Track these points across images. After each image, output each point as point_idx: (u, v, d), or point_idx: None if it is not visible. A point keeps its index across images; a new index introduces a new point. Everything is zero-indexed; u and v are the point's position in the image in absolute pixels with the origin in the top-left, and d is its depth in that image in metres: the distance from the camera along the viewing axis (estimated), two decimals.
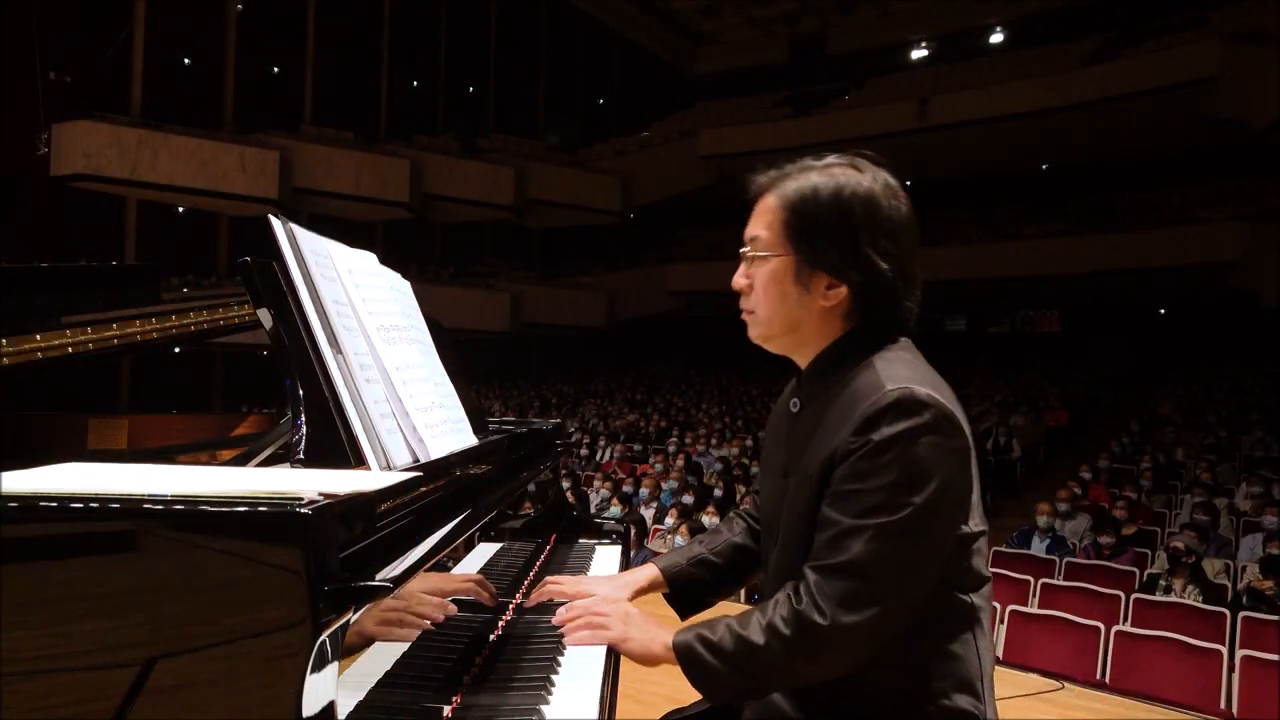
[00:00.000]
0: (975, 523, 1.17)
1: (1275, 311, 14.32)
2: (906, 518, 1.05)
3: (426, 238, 21.69)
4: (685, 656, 1.17)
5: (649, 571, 1.48)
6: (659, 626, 1.26)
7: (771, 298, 1.21)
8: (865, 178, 1.19)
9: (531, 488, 1.94)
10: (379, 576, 0.84)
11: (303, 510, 0.73)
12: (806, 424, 1.23)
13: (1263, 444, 10.43)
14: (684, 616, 1.49)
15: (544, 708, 1.10)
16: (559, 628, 1.42)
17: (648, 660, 1.23)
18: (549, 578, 1.51)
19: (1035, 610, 4.90)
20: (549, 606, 1.57)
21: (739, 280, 1.25)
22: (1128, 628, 4.51)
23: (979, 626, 1.18)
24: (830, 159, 1.23)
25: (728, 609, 1.53)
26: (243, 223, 17.79)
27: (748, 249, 1.24)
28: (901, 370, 1.13)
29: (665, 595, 1.51)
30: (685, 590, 1.49)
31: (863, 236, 1.15)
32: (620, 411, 16.50)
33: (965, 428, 1.13)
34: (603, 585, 1.46)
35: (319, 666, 0.73)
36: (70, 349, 1.41)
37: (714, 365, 21.41)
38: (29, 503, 0.74)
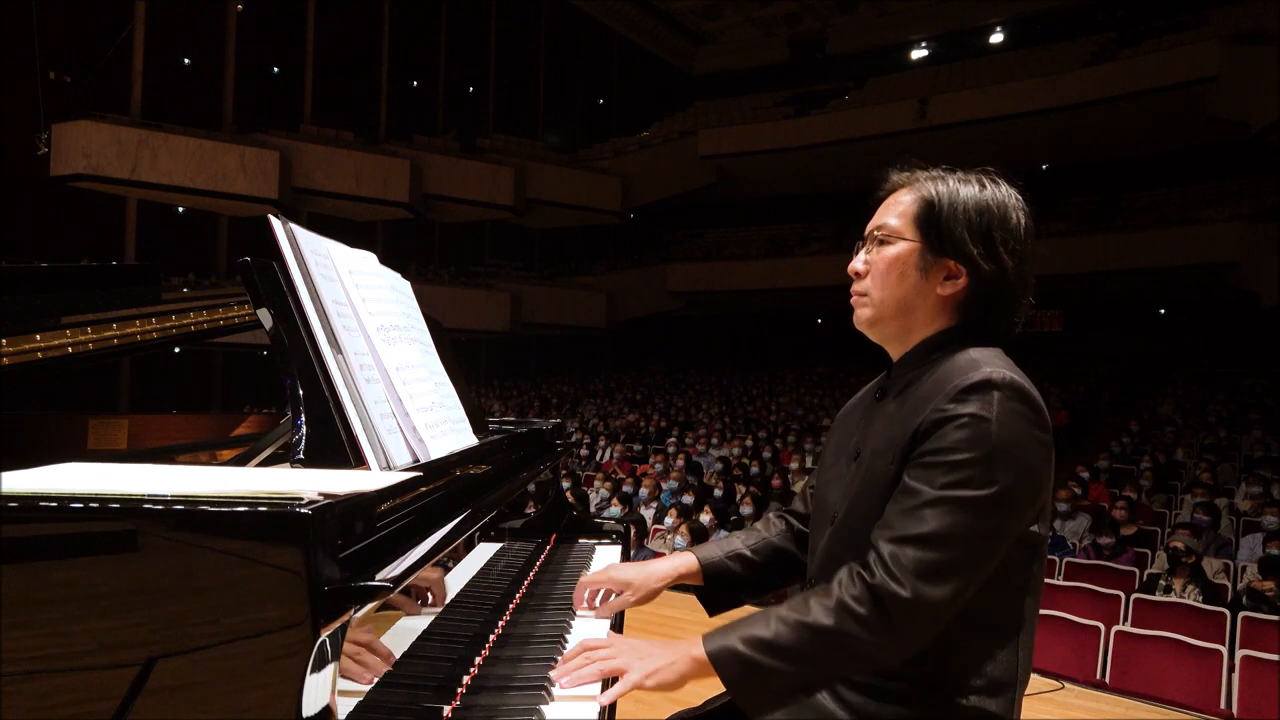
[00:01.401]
0: (1043, 529, 1.16)
1: (1275, 311, 14.32)
2: (989, 496, 1.05)
3: (426, 238, 21.69)
4: (732, 665, 1.09)
5: (686, 559, 1.44)
6: (672, 645, 1.17)
7: (891, 279, 1.22)
8: (1000, 189, 1.22)
9: (531, 488, 1.94)
10: (379, 576, 0.83)
11: (303, 510, 0.73)
12: (890, 409, 1.22)
13: (1263, 444, 10.43)
14: (712, 614, 1.45)
15: (544, 708, 1.10)
16: (559, 627, 1.42)
17: (679, 684, 1.14)
18: (582, 578, 1.48)
19: (1039, 611, 4.89)
20: (548, 606, 1.57)
21: (856, 264, 1.27)
22: (1128, 628, 4.50)
23: (1024, 633, 1.17)
24: (961, 173, 1.25)
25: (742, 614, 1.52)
26: (243, 223, 17.80)
27: (872, 235, 1.26)
28: (999, 362, 1.14)
29: (696, 590, 1.47)
30: (719, 584, 1.45)
31: (996, 232, 1.18)
32: (620, 411, 16.50)
33: (1049, 425, 1.14)
34: (632, 571, 1.43)
35: (319, 666, 0.73)
36: (70, 349, 1.41)
37: (714, 365, 21.42)
38: (29, 503, 0.74)
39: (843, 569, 1.11)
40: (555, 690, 1.16)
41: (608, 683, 1.18)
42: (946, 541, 1.04)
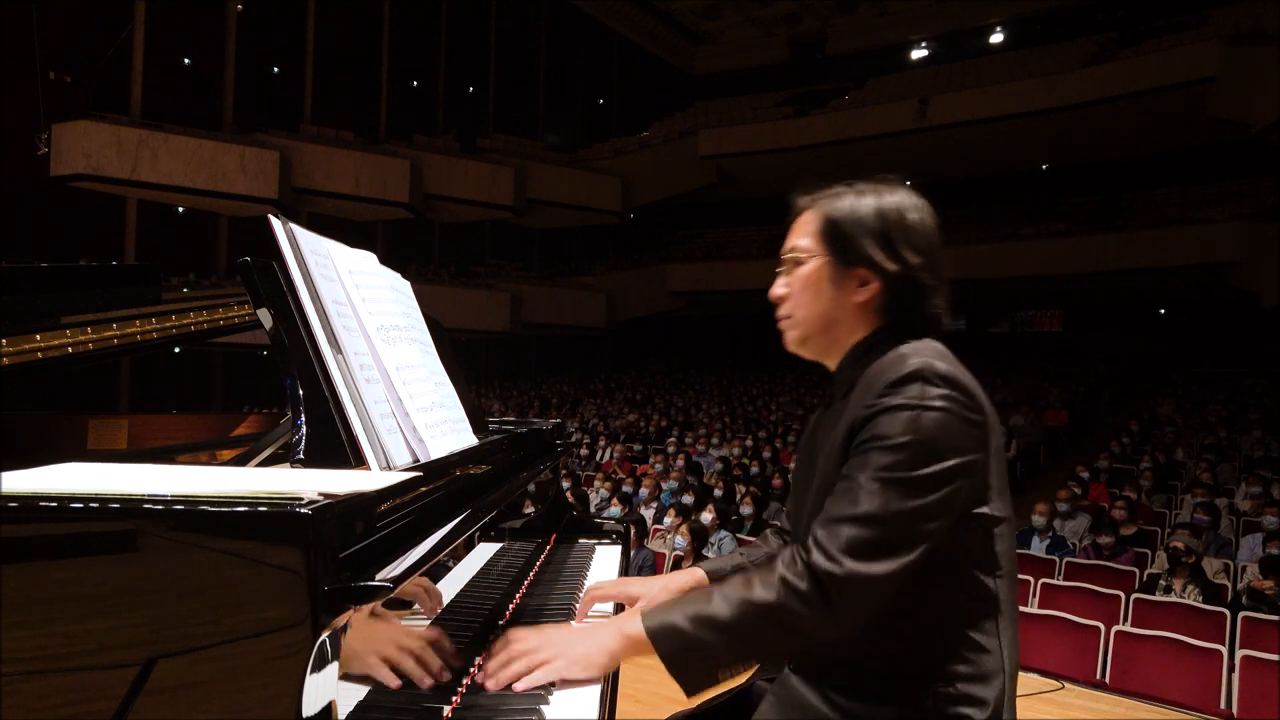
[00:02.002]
0: (997, 507, 1.19)
1: (1275, 311, 14.33)
2: (920, 476, 1.09)
3: (426, 238, 21.70)
4: (671, 639, 1.10)
5: (694, 574, 1.47)
6: (598, 627, 1.18)
7: (808, 297, 1.28)
8: (897, 192, 1.28)
9: (531, 488, 1.94)
10: (379, 576, 0.83)
11: (303, 510, 0.73)
12: (833, 413, 1.27)
13: (1263, 444, 10.43)
14: None
15: (544, 708, 1.10)
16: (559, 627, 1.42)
17: (609, 666, 1.14)
18: (594, 584, 1.49)
19: (1035, 610, 4.90)
20: (549, 606, 1.57)
21: (778, 289, 1.32)
22: (1128, 628, 4.51)
23: (1001, 617, 1.18)
24: (861, 183, 1.30)
25: None
26: (243, 223, 17.80)
27: (786, 258, 1.32)
28: (927, 352, 1.18)
29: None
30: None
31: (895, 235, 1.24)
32: (620, 411, 16.50)
33: (989, 411, 1.18)
34: (643, 584, 1.44)
35: (319, 666, 0.73)
36: (70, 349, 1.41)
37: (714, 365, 21.43)
38: (29, 503, 0.74)
39: (785, 549, 1.15)
40: (552, 695, 1.16)
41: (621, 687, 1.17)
42: (877, 519, 1.08)
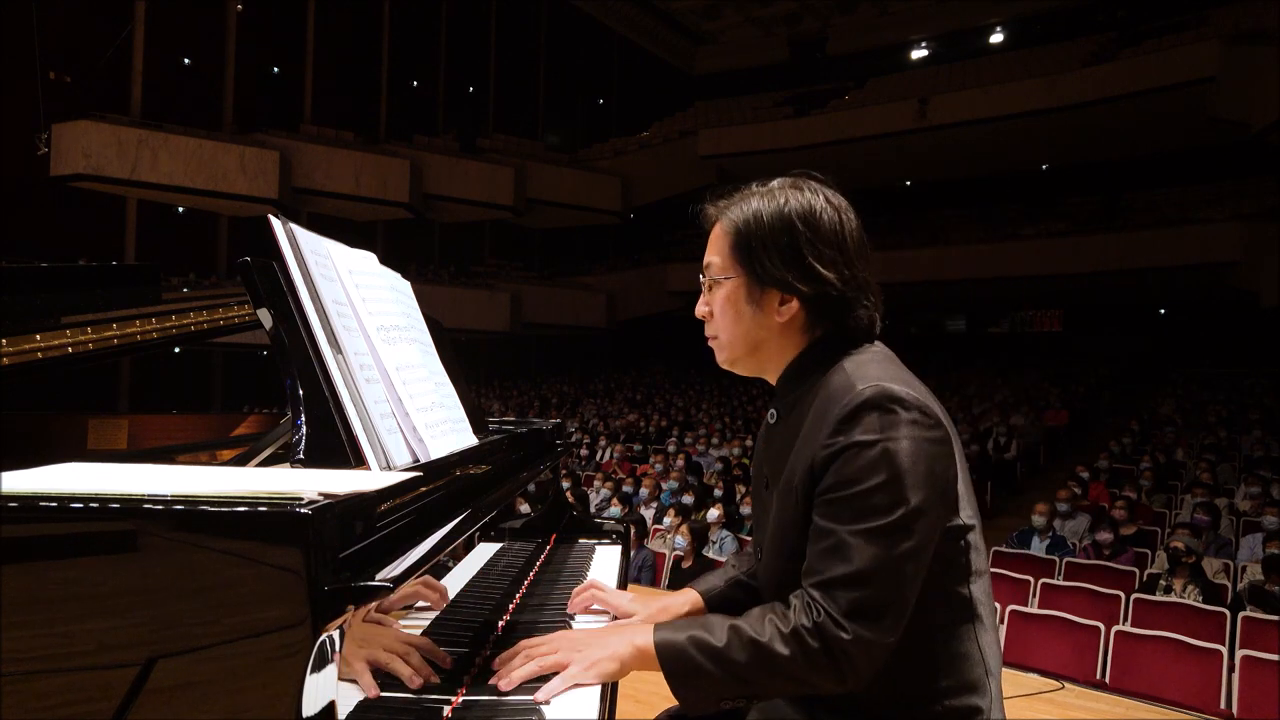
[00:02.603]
0: (966, 515, 1.17)
1: (1275, 311, 14.33)
2: (901, 517, 1.05)
3: (426, 238, 21.70)
4: (675, 661, 1.10)
5: (689, 596, 1.46)
6: (611, 633, 1.18)
7: (729, 320, 1.25)
8: (805, 195, 1.21)
9: (531, 488, 1.94)
10: (379, 576, 0.83)
11: (303, 510, 0.73)
12: (783, 434, 1.23)
13: (1263, 444, 10.43)
14: None
15: (544, 708, 1.10)
16: (559, 627, 1.42)
17: (620, 673, 1.14)
18: (593, 580, 1.48)
19: (1035, 610, 4.90)
20: (548, 606, 1.57)
21: (700, 309, 1.30)
22: (1128, 628, 4.50)
23: (980, 623, 1.17)
24: (774, 182, 1.25)
25: None
26: (243, 223, 17.81)
27: (703, 278, 1.28)
28: (873, 370, 1.14)
29: None
30: (719, 613, 1.48)
31: (805, 249, 1.18)
32: (620, 411, 16.51)
33: (944, 418, 1.14)
34: (643, 604, 1.42)
35: (319, 666, 0.73)
36: (70, 349, 1.41)
37: (714, 365, 21.32)
38: (29, 503, 0.74)
39: (796, 596, 1.11)
40: (544, 697, 1.16)
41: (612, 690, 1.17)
42: (871, 577, 1.05)
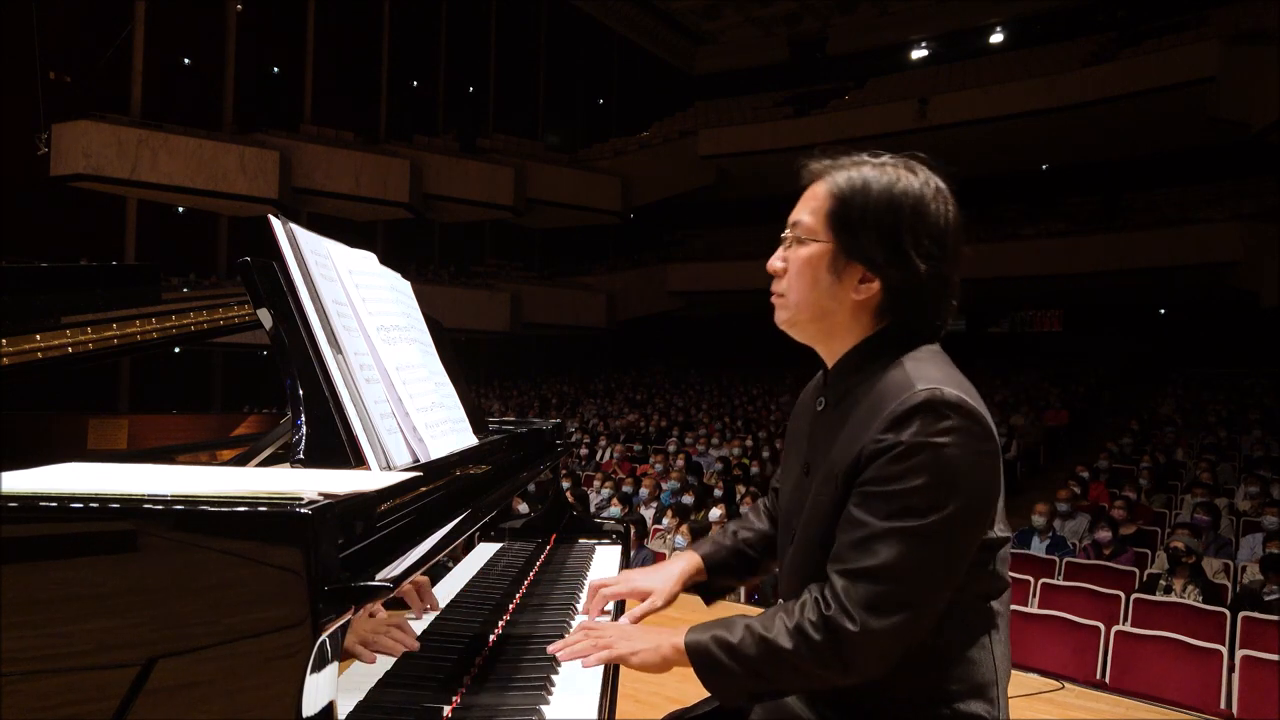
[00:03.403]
0: (1000, 529, 1.16)
1: (1275, 311, 14.33)
2: (937, 522, 1.03)
3: (426, 238, 21.69)
4: (700, 658, 1.15)
5: (693, 559, 1.49)
6: (658, 631, 1.23)
7: (804, 283, 1.20)
8: (918, 179, 1.18)
9: (531, 488, 1.94)
10: (379, 576, 0.84)
11: (303, 510, 0.73)
12: (831, 422, 1.21)
13: (1263, 444, 10.43)
14: (709, 602, 1.52)
15: (544, 708, 1.10)
16: (559, 627, 1.42)
17: (659, 668, 1.20)
18: (598, 579, 1.49)
19: (1035, 610, 4.90)
20: (548, 606, 1.57)
21: (774, 263, 1.24)
22: (1128, 628, 4.50)
23: (996, 632, 1.17)
24: (886, 157, 1.21)
25: (726, 609, 1.53)
26: (243, 223, 17.80)
27: (788, 233, 1.23)
28: (932, 371, 1.11)
29: (696, 585, 1.51)
30: (718, 578, 1.50)
31: (905, 235, 1.14)
32: (620, 411, 16.50)
33: (994, 432, 1.11)
34: (652, 579, 1.45)
35: (319, 666, 0.73)
36: (70, 349, 1.41)
37: (714, 365, 21.42)
38: (29, 503, 0.74)
39: (808, 590, 1.13)
40: (557, 681, 1.17)
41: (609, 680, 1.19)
42: (895, 575, 1.04)
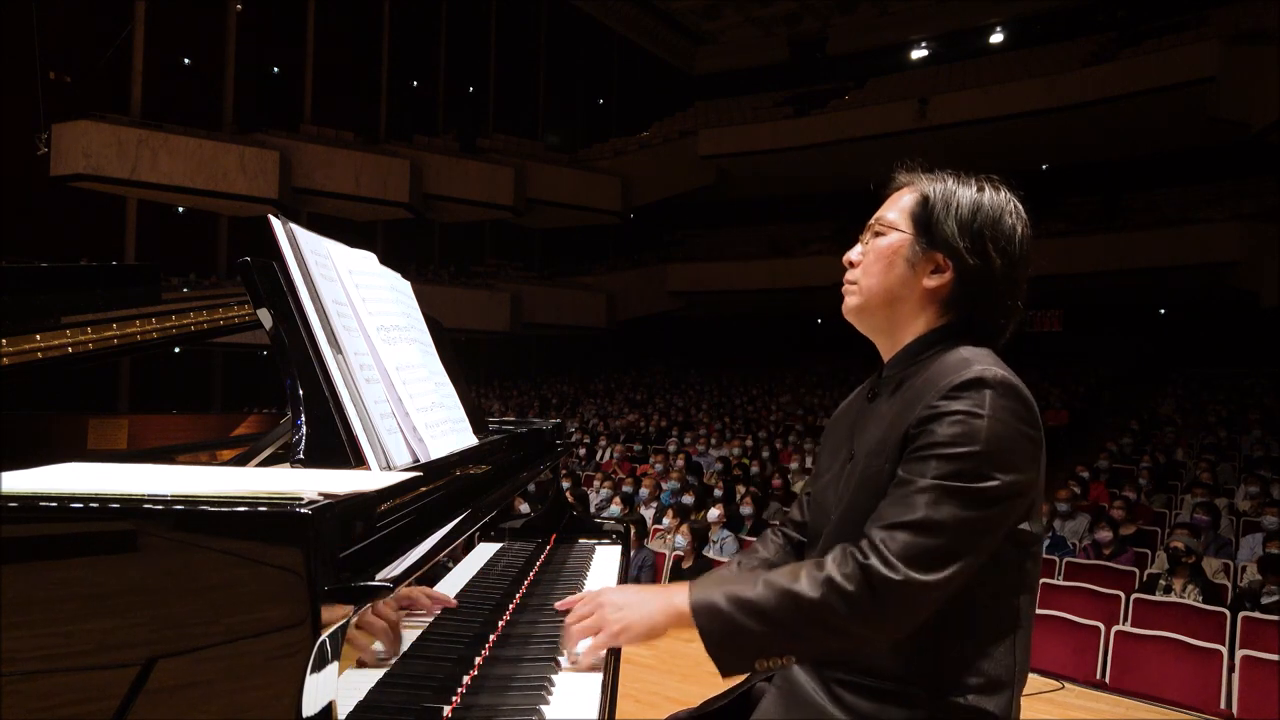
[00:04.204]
0: (1037, 527, 1.17)
1: (1275, 311, 14.33)
2: (980, 489, 1.06)
3: (426, 238, 21.69)
4: (709, 617, 1.10)
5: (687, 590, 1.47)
6: (652, 592, 1.21)
7: (880, 268, 1.25)
8: (1001, 195, 1.25)
9: (531, 488, 1.94)
10: (379, 577, 0.84)
11: (303, 510, 0.73)
12: (882, 410, 1.23)
13: (1263, 444, 10.43)
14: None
15: (544, 708, 1.10)
16: (559, 627, 1.42)
17: (653, 635, 1.17)
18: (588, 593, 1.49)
19: (1035, 610, 4.90)
20: (548, 606, 1.57)
21: (852, 254, 1.31)
22: (1128, 628, 4.51)
23: (1020, 633, 1.17)
24: (969, 176, 1.29)
25: None
26: (243, 223, 17.80)
27: (869, 226, 1.30)
28: (989, 360, 1.15)
29: None
30: None
31: (986, 230, 1.20)
32: (620, 411, 16.50)
33: (1040, 422, 1.15)
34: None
35: (319, 666, 0.73)
36: (70, 349, 1.41)
37: (714, 365, 21.43)
38: (29, 503, 0.74)
39: (836, 548, 1.12)
40: (557, 681, 1.17)
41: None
42: (937, 527, 1.05)
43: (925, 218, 1.23)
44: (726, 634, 1.10)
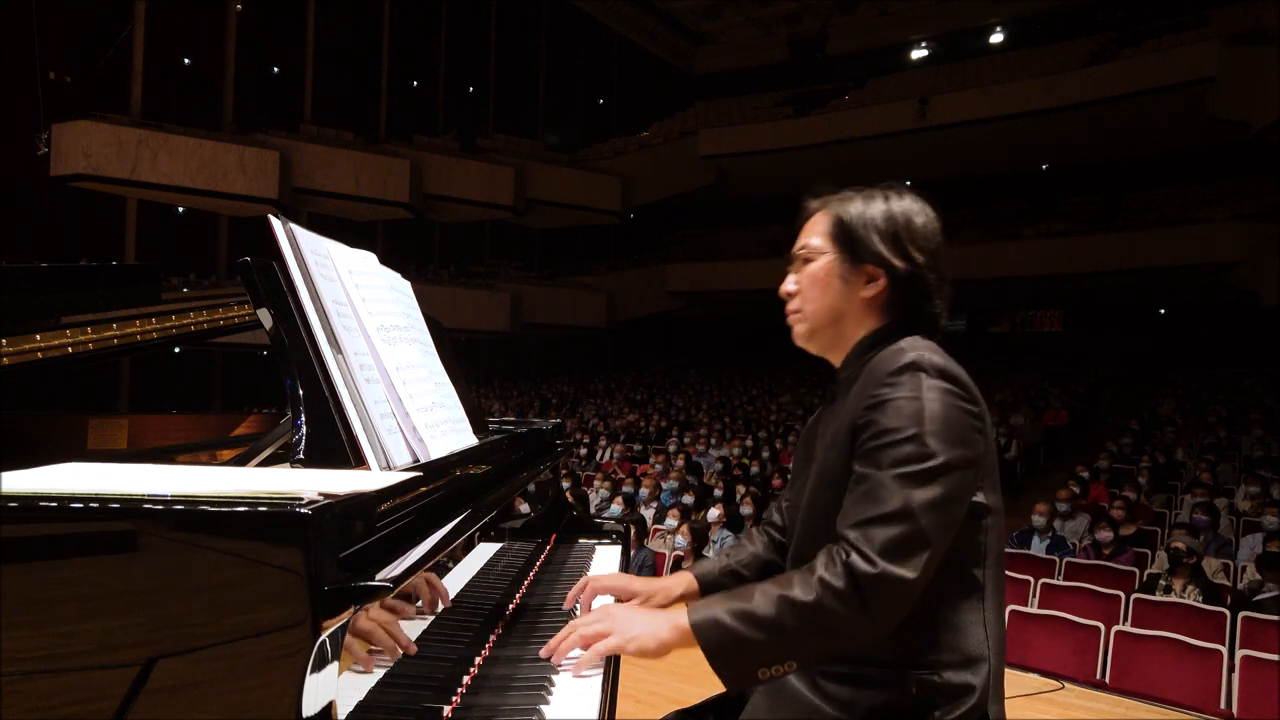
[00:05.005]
0: (991, 499, 1.23)
1: (1275, 311, 14.32)
2: (935, 467, 1.12)
3: (426, 238, 21.69)
4: (710, 631, 1.13)
5: (688, 580, 1.50)
6: (655, 614, 1.23)
7: (818, 291, 1.33)
8: (906, 199, 1.34)
9: (531, 488, 1.94)
10: (379, 576, 0.84)
11: (303, 510, 0.73)
12: (835, 410, 1.31)
13: (1263, 444, 10.42)
14: None
15: (544, 708, 1.10)
16: (560, 627, 1.42)
17: (657, 653, 1.18)
18: (593, 575, 1.50)
19: (1035, 610, 4.90)
20: (548, 606, 1.57)
21: (787, 286, 1.38)
22: (1128, 628, 4.50)
23: (986, 604, 1.21)
24: (872, 189, 1.37)
25: None
26: (243, 223, 17.80)
27: (796, 255, 1.38)
28: (923, 346, 1.23)
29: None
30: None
31: (902, 233, 1.29)
32: (620, 411, 16.50)
33: (979, 399, 1.22)
34: (645, 585, 1.47)
35: (319, 666, 0.73)
36: (70, 349, 1.41)
37: (714, 365, 21.43)
38: (29, 503, 0.74)
39: (822, 551, 1.15)
40: (557, 681, 1.17)
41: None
42: (905, 516, 1.10)
43: (846, 237, 1.31)
44: (728, 645, 1.12)
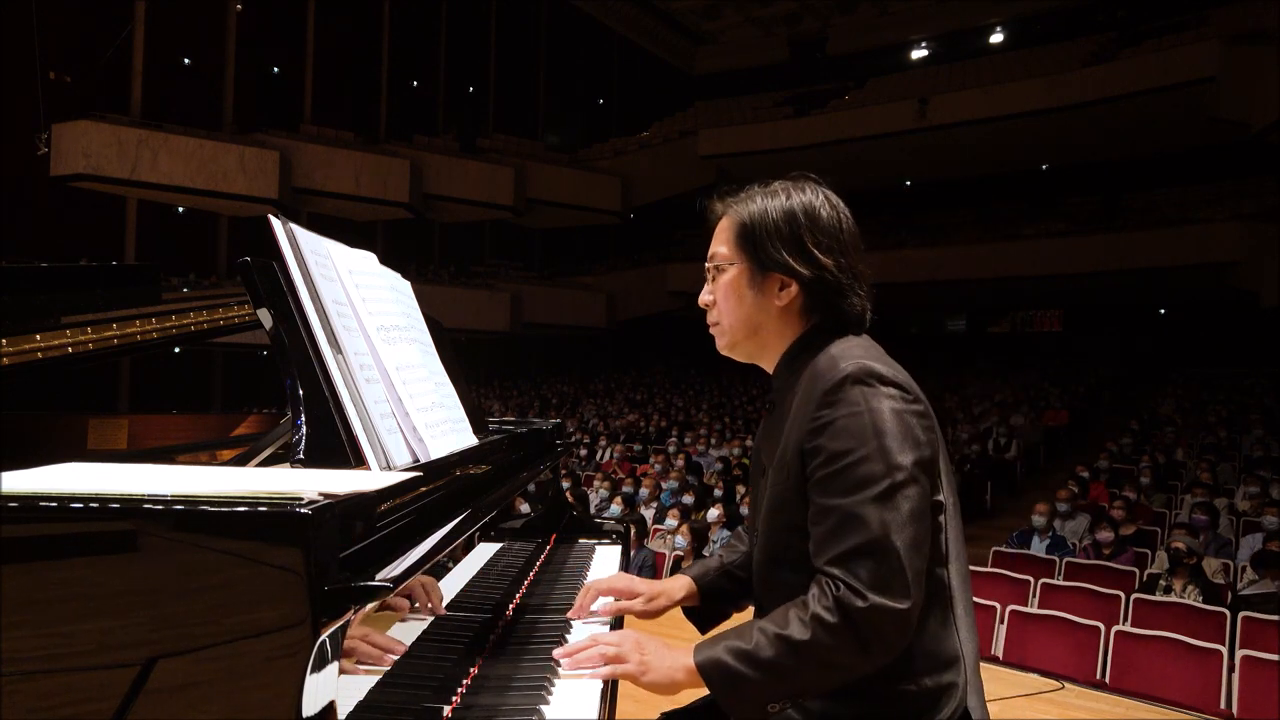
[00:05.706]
0: (944, 494, 1.20)
1: (1275, 311, 14.32)
2: (896, 482, 1.09)
3: (426, 238, 21.69)
4: (714, 672, 1.13)
5: (687, 583, 1.50)
6: (672, 650, 1.22)
7: (731, 304, 1.32)
8: (806, 193, 1.29)
9: (531, 488, 1.94)
10: (379, 576, 0.83)
11: (303, 510, 0.73)
12: (777, 418, 1.29)
13: (1263, 444, 10.42)
14: (704, 630, 1.50)
15: (544, 708, 1.10)
16: (559, 627, 1.42)
17: (669, 690, 1.19)
18: (595, 579, 1.50)
19: (1035, 610, 4.90)
20: (548, 607, 1.57)
21: (704, 298, 1.37)
22: (1128, 628, 4.50)
23: (957, 605, 1.20)
24: (775, 183, 1.33)
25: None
26: (243, 223, 17.80)
27: (709, 266, 1.37)
28: (856, 351, 1.20)
29: (688, 609, 1.51)
30: (710, 603, 1.51)
31: (806, 237, 1.25)
32: (620, 411, 16.50)
33: (922, 396, 1.19)
34: (646, 585, 1.47)
35: (319, 666, 0.73)
36: (70, 349, 1.41)
37: (714, 365, 21.41)
38: (29, 503, 0.74)
39: (814, 583, 1.13)
40: (557, 681, 1.17)
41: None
42: (884, 543, 1.07)
43: (750, 244, 1.28)
44: (733, 687, 1.12)
